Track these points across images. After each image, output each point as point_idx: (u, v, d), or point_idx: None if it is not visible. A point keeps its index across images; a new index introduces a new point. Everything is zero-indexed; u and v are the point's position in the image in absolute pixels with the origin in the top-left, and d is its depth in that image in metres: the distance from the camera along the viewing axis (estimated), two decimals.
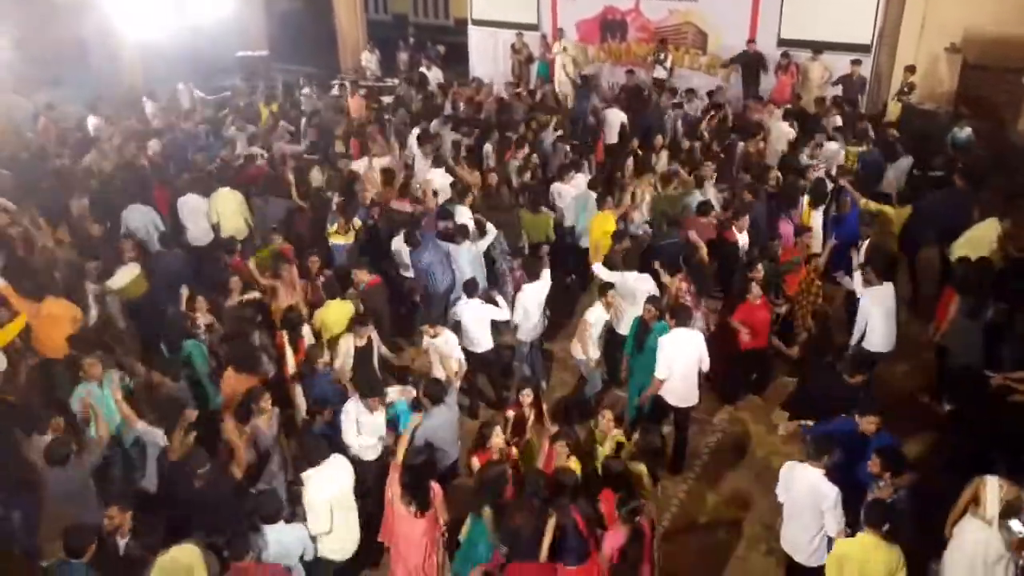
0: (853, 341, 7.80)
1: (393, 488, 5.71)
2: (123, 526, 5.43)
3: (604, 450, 6.29)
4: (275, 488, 6.31)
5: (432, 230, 9.28)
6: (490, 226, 9.18)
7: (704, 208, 9.53)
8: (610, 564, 5.26)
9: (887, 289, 7.75)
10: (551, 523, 5.28)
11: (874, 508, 5.09)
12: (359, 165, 11.21)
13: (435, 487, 5.72)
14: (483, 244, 9.06)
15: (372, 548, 6.23)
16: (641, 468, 5.94)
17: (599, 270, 8.42)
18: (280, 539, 5.48)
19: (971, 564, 5.27)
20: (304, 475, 5.82)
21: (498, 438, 6.16)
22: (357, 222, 9.56)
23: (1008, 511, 5.23)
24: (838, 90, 13.76)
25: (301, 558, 5.63)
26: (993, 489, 5.29)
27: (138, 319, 8.77)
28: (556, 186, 10.53)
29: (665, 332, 7.19)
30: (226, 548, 5.28)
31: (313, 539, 5.73)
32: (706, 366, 7.22)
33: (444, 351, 7.51)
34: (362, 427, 6.53)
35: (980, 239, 8.85)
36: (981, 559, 5.21)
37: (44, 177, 11.21)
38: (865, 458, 5.78)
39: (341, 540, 5.90)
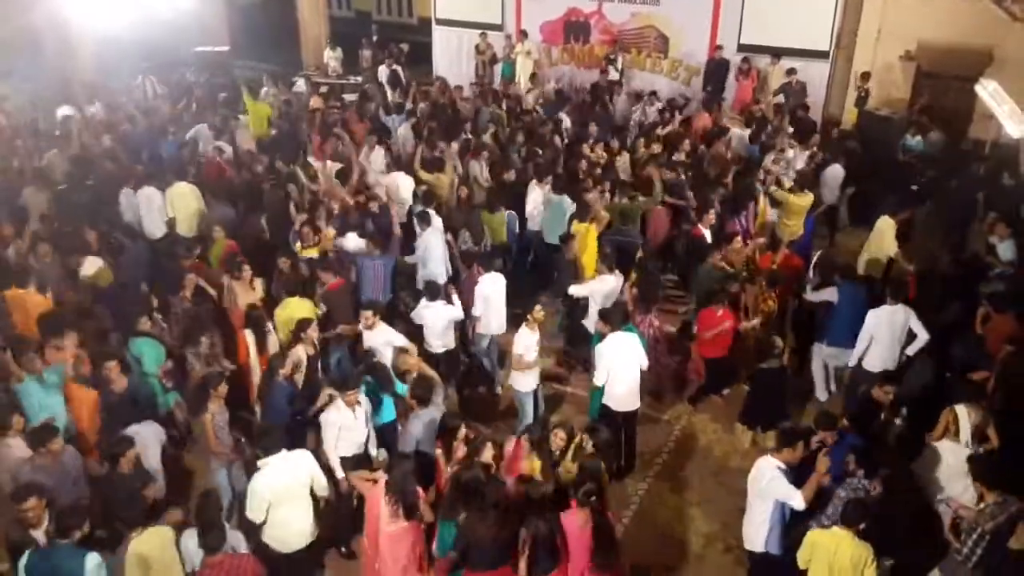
0: (853, 360, 7.72)
1: (375, 494, 5.59)
2: (39, 517, 5.28)
3: (567, 459, 6.24)
4: (216, 494, 6.08)
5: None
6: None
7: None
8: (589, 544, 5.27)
9: (897, 311, 7.50)
10: (524, 539, 5.24)
11: (853, 507, 5.21)
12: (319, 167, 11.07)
13: (419, 491, 5.62)
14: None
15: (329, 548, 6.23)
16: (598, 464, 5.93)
17: (574, 290, 8.53)
18: None
19: (948, 475, 6.13)
20: (261, 462, 5.71)
21: (489, 452, 5.94)
22: (331, 231, 9.30)
23: (977, 433, 6.19)
24: (780, 98, 14.07)
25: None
26: (963, 415, 6.25)
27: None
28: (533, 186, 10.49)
29: (632, 331, 7.30)
30: (201, 541, 5.17)
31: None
32: (644, 365, 7.20)
33: (389, 341, 7.39)
34: (343, 434, 6.37)
35: (879, 234, 9.25)
36: (956, 471, 6.05)
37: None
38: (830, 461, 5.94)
39: (282, 533, 5.76)
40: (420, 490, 5.65)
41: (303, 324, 7.30)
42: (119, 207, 10.26)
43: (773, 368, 7.38)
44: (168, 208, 10.00)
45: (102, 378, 6.69)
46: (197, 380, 7.36)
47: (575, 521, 5.32)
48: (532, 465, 6.09)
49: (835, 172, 11.13)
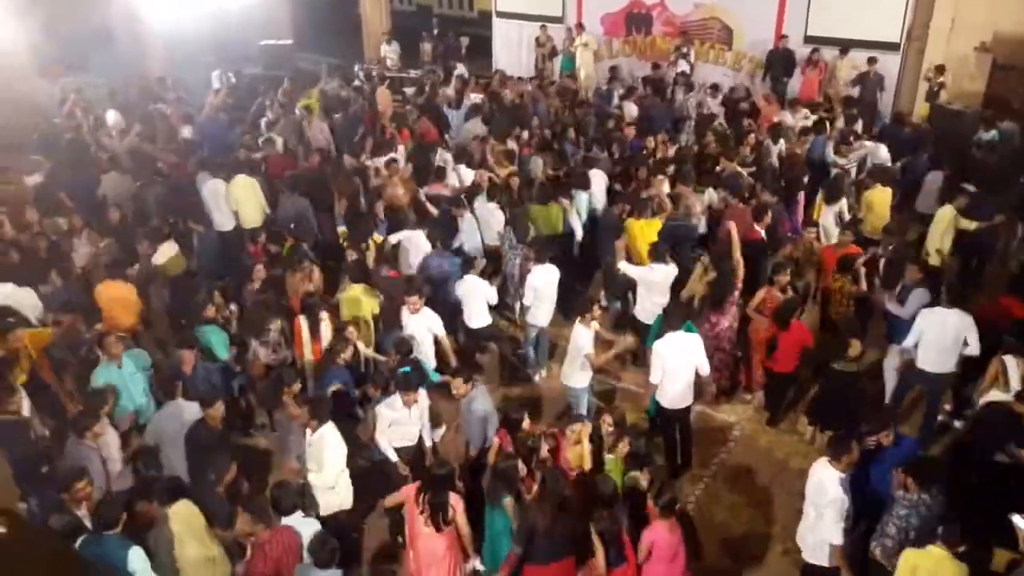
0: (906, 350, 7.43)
1: (411, 503, 5.62)
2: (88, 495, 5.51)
3: (614, 457, 6.26)
4: (290, 481, 6.29)
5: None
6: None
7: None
8: (647, 557, 5.33)
9: (950, 315, 7.06)
10: (595, 535, 5.26)
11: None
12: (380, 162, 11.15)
13: (454, 500, 5.61)
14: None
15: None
16: (636, 475, 6.01)
17: (625, 267, 8.42)
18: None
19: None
20: (319, 432, 5.98)
21: (527, 422, 6.18)
22: (378, 237, 9.39)
23: None
24: (856, 90, 13.72)
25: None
26: (1012, 365, 6.46)
27: (174, 299, 8.94)
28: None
29: (692, 331, 7.21)
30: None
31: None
32: (704, 371, 7.09)
33: (431, 327, 7.66)
34: (395, 427, 6.51)
35: (937, 224, 9.08)
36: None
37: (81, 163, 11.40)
38: (885, 466, 5.83)
39: (339, 498, 6.15)
40: (457, 498, 5.63)
41: (342, 326, 7.58)
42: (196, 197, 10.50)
43: (848, 371, 7.12)
44: (231, 200, 10.19)
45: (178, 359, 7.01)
46: (263, 371, 7.58)
47: (663, 531, 5.33)
48: (580, 453, 6.17)
49: (935, 180, 10.41)
